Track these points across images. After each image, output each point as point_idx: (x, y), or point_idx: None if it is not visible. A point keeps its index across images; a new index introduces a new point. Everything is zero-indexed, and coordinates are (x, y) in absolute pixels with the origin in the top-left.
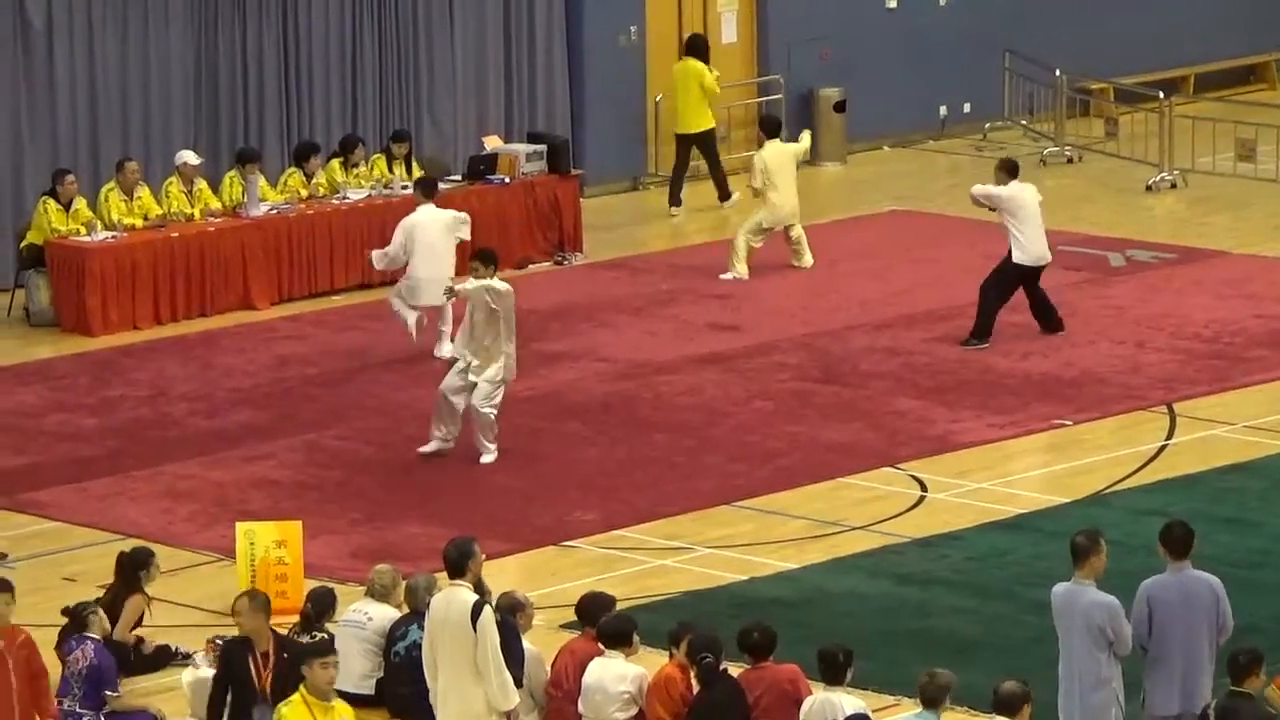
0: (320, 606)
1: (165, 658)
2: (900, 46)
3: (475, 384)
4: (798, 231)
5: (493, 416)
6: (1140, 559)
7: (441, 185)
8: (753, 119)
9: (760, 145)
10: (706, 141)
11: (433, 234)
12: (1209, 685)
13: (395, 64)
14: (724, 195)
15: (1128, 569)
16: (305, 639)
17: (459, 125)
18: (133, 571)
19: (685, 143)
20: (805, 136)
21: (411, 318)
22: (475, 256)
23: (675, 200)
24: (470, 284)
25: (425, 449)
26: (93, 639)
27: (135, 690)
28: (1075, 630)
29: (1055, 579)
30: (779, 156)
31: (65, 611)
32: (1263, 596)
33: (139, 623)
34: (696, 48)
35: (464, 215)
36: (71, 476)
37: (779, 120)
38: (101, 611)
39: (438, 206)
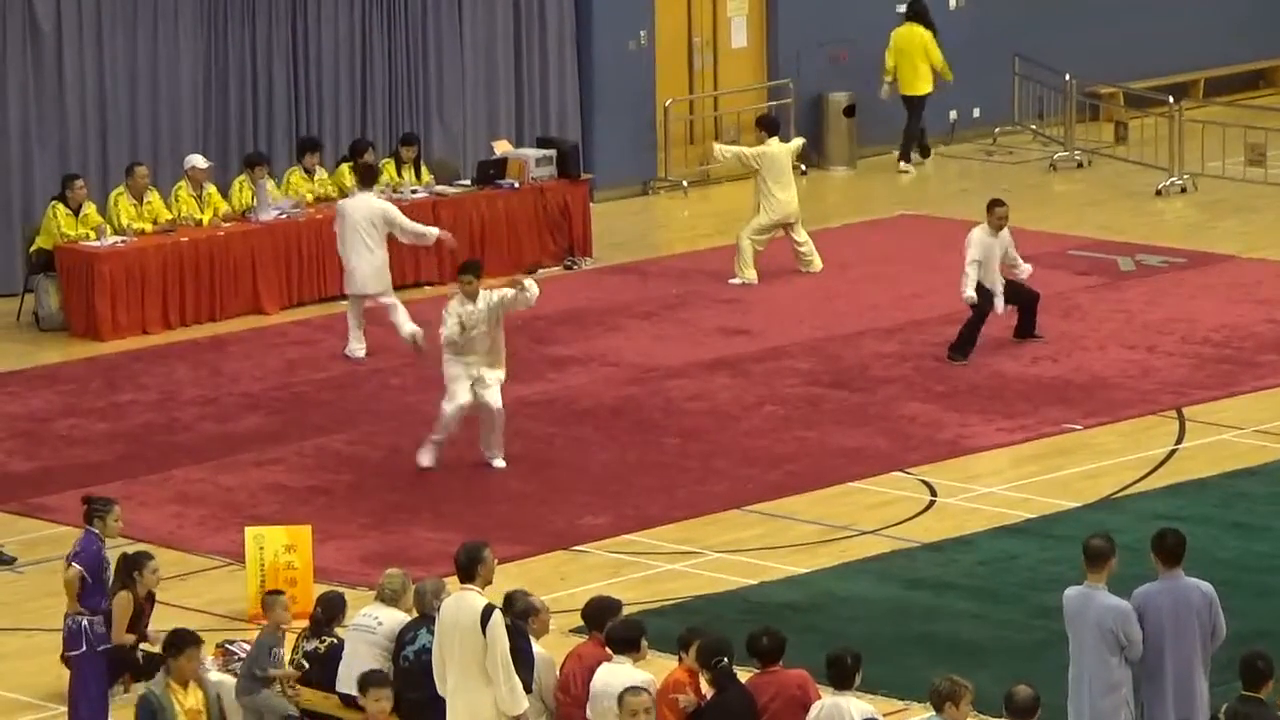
0: (330, 611)
1: None
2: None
3: (486, 389)
4: (802, 235)
5: None
6: (1151, 563)
7: (451, 189)
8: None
9: (761, 143)
10: (921, 105)
11: (361, 223)
12: (1204, 692)
13: (405, 68)
14: (915, 156)
15: (1138, 573)
16: (316, 644)
17: (469, 129)
18: (126, 573)
19: (911, 104)
20: (797, 141)
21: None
22: (466, 270)
23: (906, 158)
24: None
25: (426, 463)
26: (90, 531)
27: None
28: (1087, 634)
29: (1065, 583)
30: (780, 153)
31: (84, 499)
32: (1273, 600)
33: (135, 624)
34: (919, 13)
35: (414, 227)
36: (81, 481)
37: (778, 120)
38: (115, 512)
39: (378, 198)
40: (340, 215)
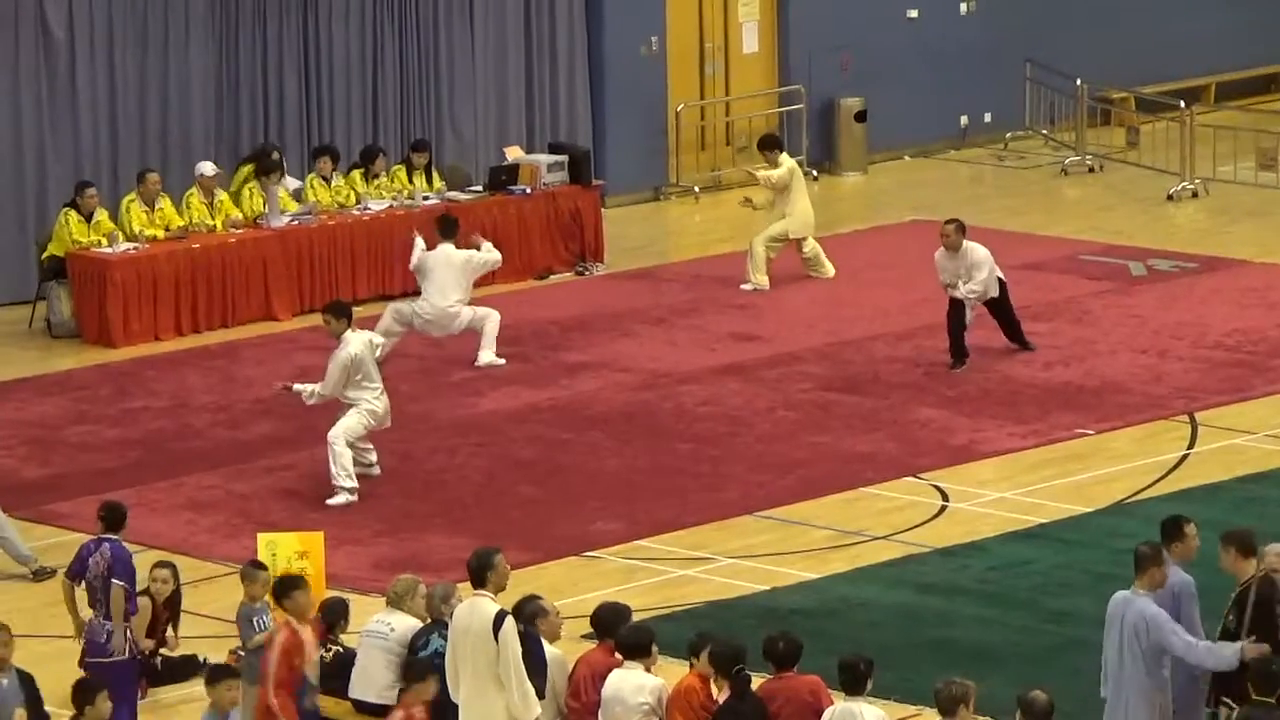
0: (330, 617)
1: (191, 668)
2: (921, 56)
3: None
4: (811, 245)
5: (342, 450)
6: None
7: (463, 195)
8: (771, 129)
9: (776, 163)
10: None
11: (444, 275)
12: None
13: (416, 74)
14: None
15: None
16: (320, 652)
17: (480, 135)
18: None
19: None
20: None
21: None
22: (330, 310)
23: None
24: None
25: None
26: (109, 539)
27: (159, 700)
28: (1125, 639)
29: (1077, 588)
30: (796, 169)
31: (102, 506)
32: None
33: (154, 630)
34: None
35: (486, 257)
36: (93, 488)
37: (779, 138)
38: (122, 514)
39: (457, 247)
40: (421, 270)
